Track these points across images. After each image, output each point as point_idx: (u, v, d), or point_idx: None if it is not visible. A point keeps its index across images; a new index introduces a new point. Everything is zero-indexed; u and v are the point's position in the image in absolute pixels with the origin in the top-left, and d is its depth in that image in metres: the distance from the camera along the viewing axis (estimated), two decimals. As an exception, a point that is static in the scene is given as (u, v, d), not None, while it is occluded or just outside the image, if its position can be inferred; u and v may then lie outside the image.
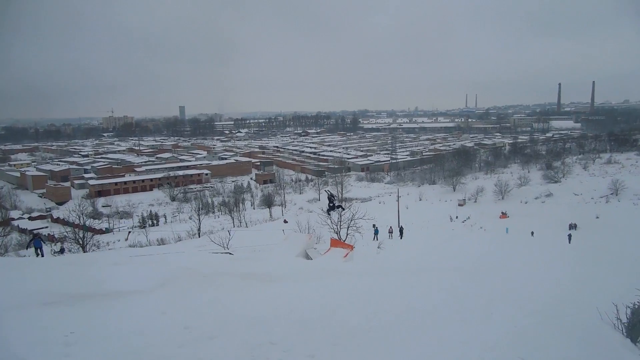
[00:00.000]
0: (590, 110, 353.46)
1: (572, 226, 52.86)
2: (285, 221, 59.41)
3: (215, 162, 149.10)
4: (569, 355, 7.48)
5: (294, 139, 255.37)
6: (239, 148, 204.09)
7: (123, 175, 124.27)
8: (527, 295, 13.13)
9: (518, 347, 7.44)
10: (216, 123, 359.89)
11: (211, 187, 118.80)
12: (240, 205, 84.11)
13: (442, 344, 7.22)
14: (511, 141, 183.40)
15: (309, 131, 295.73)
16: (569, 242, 43.26)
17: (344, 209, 32.06)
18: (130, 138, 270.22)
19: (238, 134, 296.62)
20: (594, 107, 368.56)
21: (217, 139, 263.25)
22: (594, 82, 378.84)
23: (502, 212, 66.75)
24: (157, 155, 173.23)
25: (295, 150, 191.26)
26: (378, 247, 36.66)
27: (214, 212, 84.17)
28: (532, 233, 48.77)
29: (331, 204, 30.76)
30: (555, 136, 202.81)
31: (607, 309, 10.95)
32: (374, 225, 46.72)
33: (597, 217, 58.82)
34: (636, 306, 11.31)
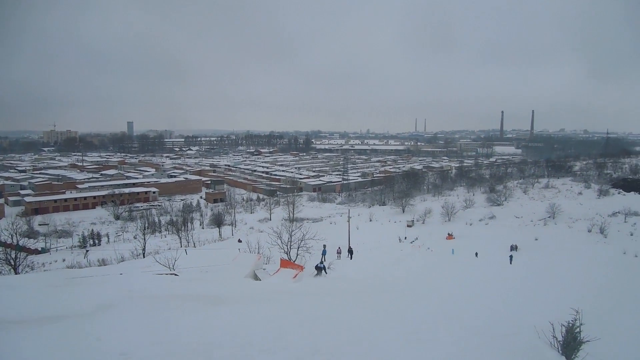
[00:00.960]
0: (530, 137, 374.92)
1: (513, 247, 55.07)
2: (239, 240, 58.43)
3: (163, 180, 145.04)
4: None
5: (246, 158, 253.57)
6: (189, 166, 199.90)
7: (63, 192, 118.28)
8: (471, 316, 13.47)
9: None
10: (166, 140, 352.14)
11: (158, 205, 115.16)
12: (189, 224, 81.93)
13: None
14: (457, 165, 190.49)
15: (262, 150, 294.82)
16: (510, 263, 44.92)
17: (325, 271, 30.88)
18: (73, 153, 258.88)
19: (188, 152, 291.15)
20: (533, 134, 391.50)
21: (167, 156, 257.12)
22: (533, 111, 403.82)
23: (449, 234, 68.61)
24: (102, 172, 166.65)
25: (247, 169, 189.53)
26: (328, 268, 36.70)
27: (160, 232, 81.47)
28: (476, 254, 50.31)
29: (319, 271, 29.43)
30: (498, 161, 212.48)
31: (544, 327, 11.43)
32: (324, 246, 46.75)
33: (536, 239, 61.65)
34: (570, 324, 11.87)
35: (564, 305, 12.84)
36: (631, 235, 60.75)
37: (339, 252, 45.34)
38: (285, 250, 35.68)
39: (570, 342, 11.29)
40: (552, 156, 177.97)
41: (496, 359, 8.50)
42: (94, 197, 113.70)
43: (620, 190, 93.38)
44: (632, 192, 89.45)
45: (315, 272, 28.56)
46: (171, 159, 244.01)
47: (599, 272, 39.14)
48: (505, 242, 58.08)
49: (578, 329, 11.14)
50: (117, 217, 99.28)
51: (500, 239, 61.35)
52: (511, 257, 46.94)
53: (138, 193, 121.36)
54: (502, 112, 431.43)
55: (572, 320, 11.29)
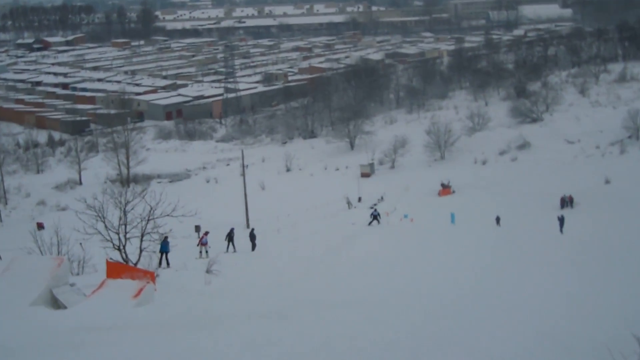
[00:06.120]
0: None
1: (566, 202, 57.77)
2: (40, 226, 57.10)
3: None
4: None
5: (19, 57, 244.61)
6: None
7: None
8: (492, 340, 13.94)
9: None
10: None
11: None
12: None
13: None
14: (452, 47, 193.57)
15: (51, 40, 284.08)
16: (561, 231, 47.16)
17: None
18: None
19: None
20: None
21: None
22: None
23: (443, 184, 70.30)
24: None
25: (23, 82, 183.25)
26: (207, 272, 36.57)
27: None
28: (498, 220, 52.40)
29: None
30: (529, 34, 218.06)
31: (620, 342, 12.05)
32: (199, 231, 46.37)
33: (608, 182, 65.00)
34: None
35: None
36: None
37: (203, 244, 44.50)
38: (117, 243, 35.05)
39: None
40: (630, 18, 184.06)
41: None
42: None
43: None
44: None
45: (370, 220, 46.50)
46: None
47: None
48: (550, 191, 60.65)
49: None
50: None
51: (540, 187, 63.99)
52: (562, 219, 49.11)
53: None
54: None
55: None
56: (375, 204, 45.67)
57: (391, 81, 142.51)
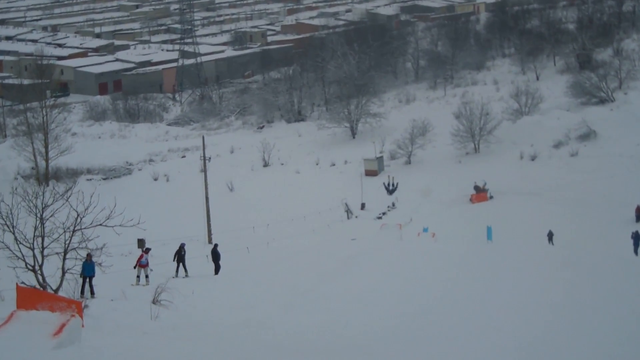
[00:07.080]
0: None
1: (643, 213, 58.18)
2: None
3: None
4: None
5: None
6: None
7: None
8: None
9: None
10: None
11: None
12: None
13: None
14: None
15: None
16: (636, 252, 47.52)
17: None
18: None
19: None
20: None
21: None
22: None
23: (477, 187, 70.46)
24: None
25: None
26: (154, 302, 36.72)
27: None
28: (551, 236, 52.96)
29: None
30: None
31: None
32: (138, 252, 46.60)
33: None
34: None
35: None
36: None
37: (142, 265, 44.19)
38: (30, 262, 35.18)
39: None
40: None
41: None
42: None
43: None
44: None
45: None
46: None
47: None
48: (622, 199, 60.99)
49: None
50: None
51: (608, 193, 64.39)
52: (637, 237, 49.37)
53: None
54: None
55: None
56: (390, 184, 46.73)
57: (408, 45, 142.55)
